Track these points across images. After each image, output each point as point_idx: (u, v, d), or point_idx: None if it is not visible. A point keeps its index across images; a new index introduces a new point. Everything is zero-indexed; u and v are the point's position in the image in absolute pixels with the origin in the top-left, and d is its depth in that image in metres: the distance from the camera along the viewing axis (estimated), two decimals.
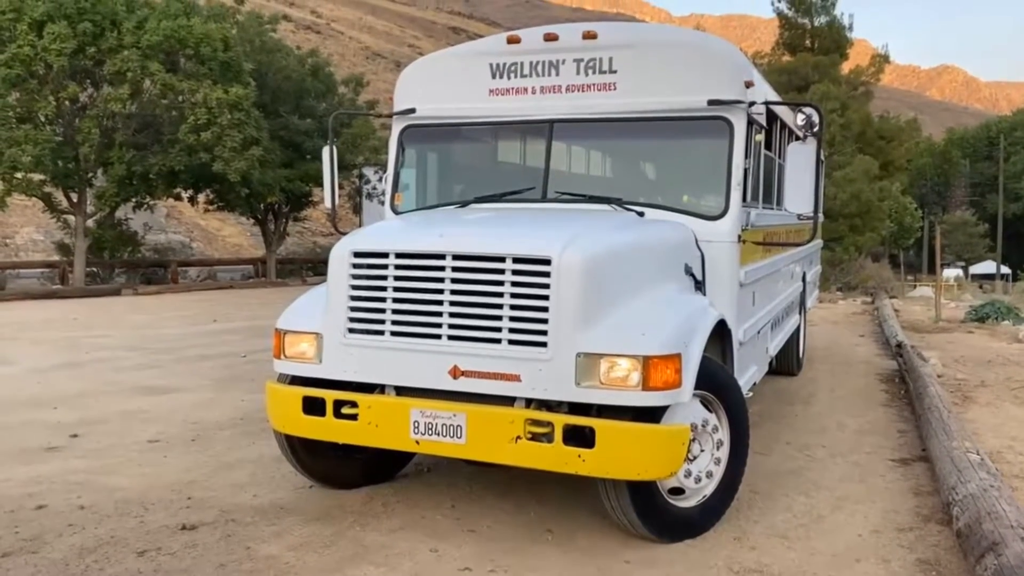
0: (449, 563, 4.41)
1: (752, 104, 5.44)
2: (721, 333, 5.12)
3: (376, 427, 4.63)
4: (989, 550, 4.01)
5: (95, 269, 26.39)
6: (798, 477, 6.01)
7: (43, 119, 22.70)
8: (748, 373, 6.10)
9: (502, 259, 4.41)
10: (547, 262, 4.33)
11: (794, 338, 9.46)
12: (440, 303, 4.52)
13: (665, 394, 4.25)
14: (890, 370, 10.53)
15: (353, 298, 4.75)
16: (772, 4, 34.48)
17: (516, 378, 4.36)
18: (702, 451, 4.77)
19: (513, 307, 4.39)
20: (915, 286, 33.17)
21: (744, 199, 5.51)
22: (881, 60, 35.20)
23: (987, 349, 12.14)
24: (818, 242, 11.81)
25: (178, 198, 28.64)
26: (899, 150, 35.13)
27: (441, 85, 6.14)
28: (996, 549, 3.96)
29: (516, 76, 5.82)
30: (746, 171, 5.48)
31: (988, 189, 68.80)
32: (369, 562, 4.41)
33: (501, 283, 4.40)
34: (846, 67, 34.62)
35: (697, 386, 4.48)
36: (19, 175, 22.24)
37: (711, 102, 5.33)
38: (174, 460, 6.29)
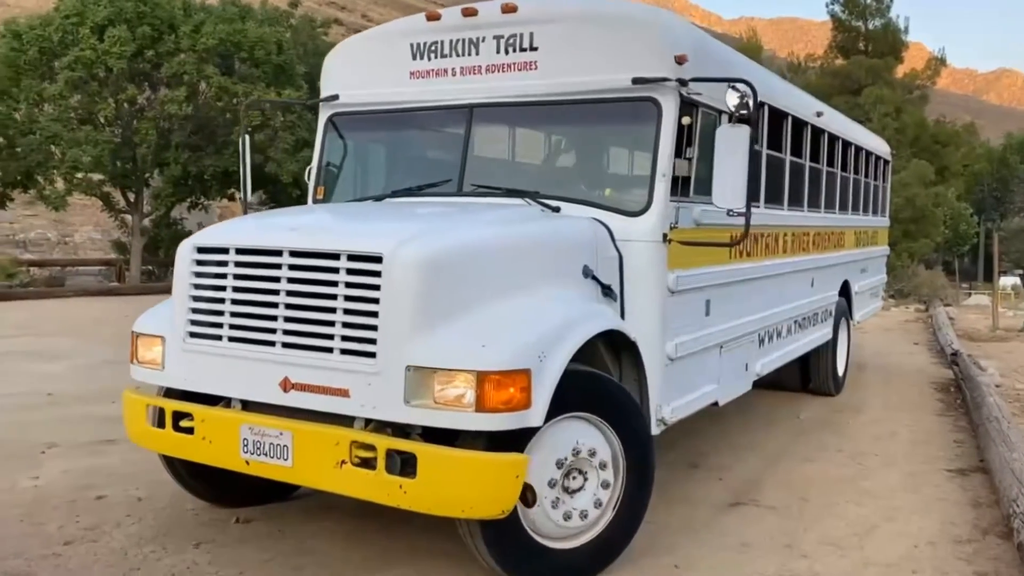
0: None
1: (687, 83, 4.78)
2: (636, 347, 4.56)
3: (210, 443, 4.22)
4: None
5: (151, 267, 26.97)
6: (850, 485, 5.91)
7: (103, 121, 23.26)
8: (693, 393, 5.30)
9: (336, 256, 3.92)
10: (378, 259, 3.83)
11: (824, 354, 8.62)
12: (275, 306, 4.05)
13: (506, 417, 3.64)
14: (945, 379, 10.30)
15: (194, 298, 4.33)
16: (826, 6, 34.06)
17: (345, 393, 3.87)
18: (585, 485, 4.15)
19: (346, 311, 3.89)
20: (970, 294, 32.37)
21: (687, 193, 4.91)
22: (937, 63, 34.53)
23: None
24: (875, 248, 10.94)
25: (232, 199, 29.12)
26: (955, 155, 34.41)
27: (363, 69, 5.71)
28: None
29: (436, 57, 5.33)
30: (690, 160, 4.87)
31: None
32: (415, 558, 4.44)
33: (335, 284, 3.91)
34: (901, 71, 34.03)
35: (580, 407, 4.03)
36: (79, 175, 22.83)
37: (636, 80, 4.73)
38: None
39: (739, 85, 4.46)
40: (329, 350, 3.92)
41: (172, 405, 4.41)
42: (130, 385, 4.75)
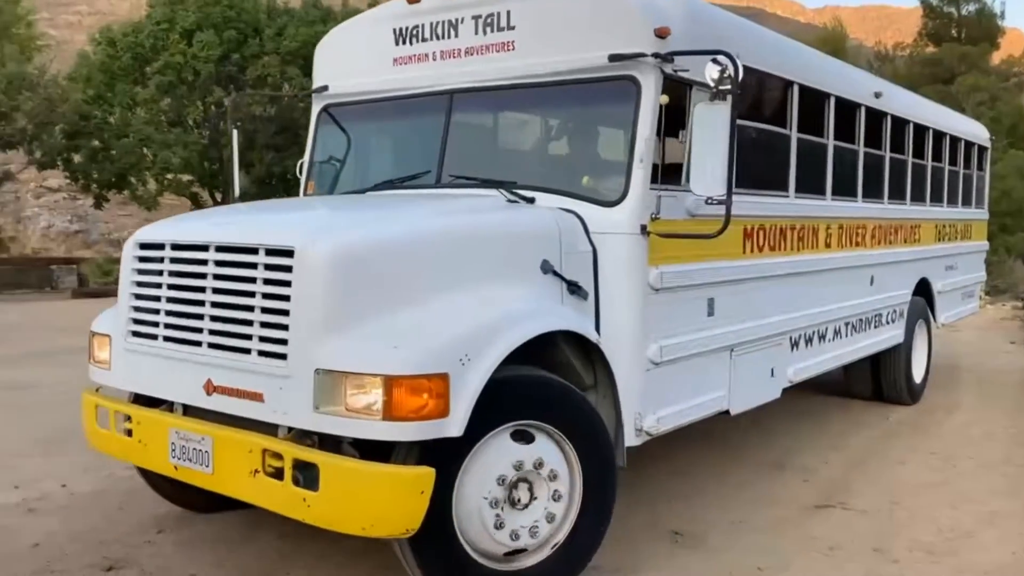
0: None
1: (671, 58, 4.33)
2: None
3: (145, 447, 4.09)
4: None
5: None
6: (943, 489, 5.70)
7: (192, 123, 24.15)
8: (690, 401, 4.80)
9: (255, 251, 3.68)
10: (289, 253, 3.56)
11: (895, 359, 7.91)
12: (202, 304, 3.86)
13: (417, 426, 3.31)
14: None
15: (136, 296, 4.19)
16: None
17: (259, 397, 3.62)
18: (534, 500, 3.80)
19: (263, 310, 3.64)
20: None
21: (678, 181, 4.47)
22: None
23: None
24: (967, 244, 10.15)
25: None
26: None
27: (351, 57, 5.52)
28: None
29: (417, 41, 5.08)
30: (682, 145, 4.41)
31: None
32: None
33: (254, 280, 3.67)
34: (996, 57, 32.68)
35: (528, 415, 3.71)
36: (170, 176, 23.78)
37: (612, 58, 4.34)
38: None
39: (720, 58, 4.00)
40: (248, 351, 3.69)
41: (114, 406, 4.31)
42: (88, 386, 4.60)
